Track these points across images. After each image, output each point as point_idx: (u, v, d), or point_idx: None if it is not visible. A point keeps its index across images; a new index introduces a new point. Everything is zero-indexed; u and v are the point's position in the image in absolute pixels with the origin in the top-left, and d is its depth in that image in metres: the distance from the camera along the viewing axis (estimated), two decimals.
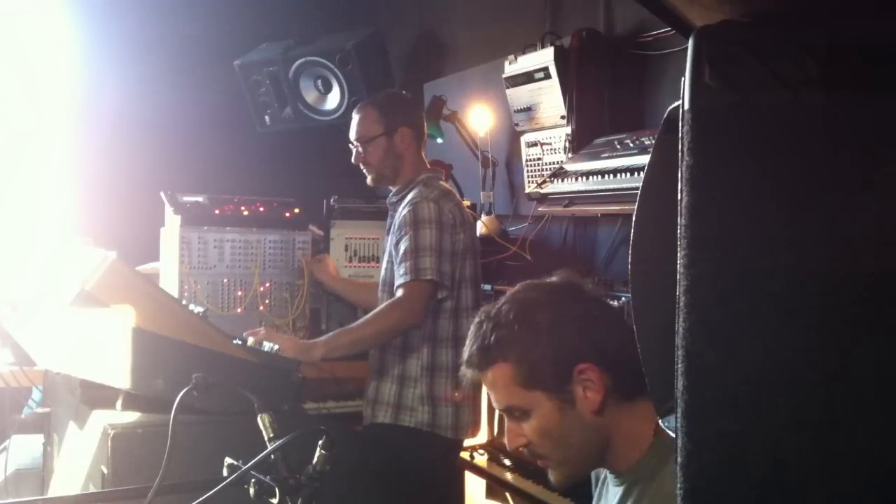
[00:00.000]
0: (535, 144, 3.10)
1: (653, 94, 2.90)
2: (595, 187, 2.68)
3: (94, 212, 3.98)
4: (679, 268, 0.68)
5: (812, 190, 0.66)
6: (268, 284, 3.13)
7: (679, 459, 0.69)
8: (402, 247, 2.61)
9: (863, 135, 0.65)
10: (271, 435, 1.47)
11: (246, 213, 3.15)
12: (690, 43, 0.69)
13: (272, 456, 1.39)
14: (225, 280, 3.07)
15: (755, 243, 0.67)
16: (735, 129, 0.67)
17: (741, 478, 0.67)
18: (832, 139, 0.66)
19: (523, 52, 3.07)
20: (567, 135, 2.94)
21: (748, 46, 0.67)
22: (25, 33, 4.19)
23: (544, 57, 2.95)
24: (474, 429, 2.79)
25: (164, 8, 4.19)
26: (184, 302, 2.67)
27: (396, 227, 2.70)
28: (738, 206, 0.67)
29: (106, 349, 2.04)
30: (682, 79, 0.69)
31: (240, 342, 2.37)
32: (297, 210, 3.23)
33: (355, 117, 2.85)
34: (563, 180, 2.86)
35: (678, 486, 0.69)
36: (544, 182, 2.94)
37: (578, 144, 2.90)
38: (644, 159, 2.50)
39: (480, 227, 3.27)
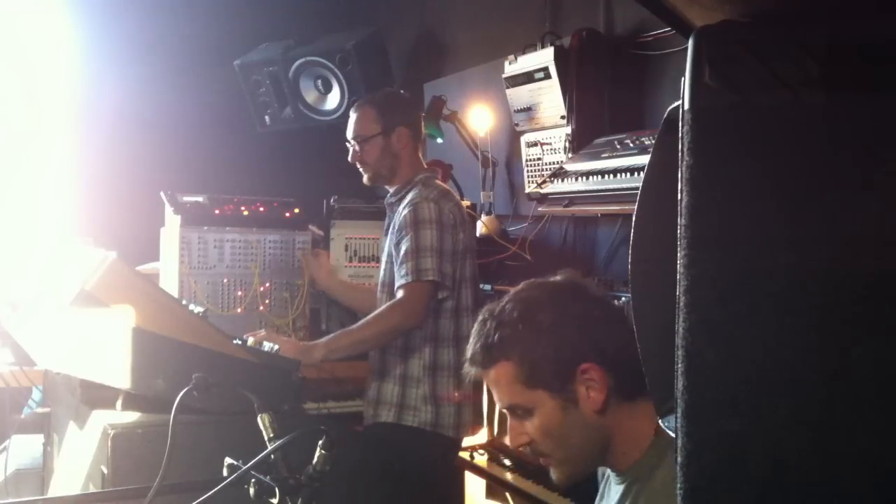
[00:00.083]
0: (535, 144, 3.10)
1: (653, 94, 2.89)
2: (595, 187, 2.68)
3: (94, 212, 3.98)
4: (679, 268, 0.68)
5: (812, 190, 0.66)
6: (268, 284, 3.13)
7: (679, 459, 0.69)
8: (403, 247, 2.61)
9: (863, 135, 0.65)
10: (271, 435, 1.46)
11: (246, 213, 3.14)
12: (690, 43, 0.69)
13: (272, 456, 1.39)
14: (225, 280, 3.07)
15: (755, 243, 0.67)
16: (735, 129, 0.67)
17: (741, 478, 0.67)
18: (832, 139, 0.66)
19: (523, 52, 3.07)
20: (567, 135, 2.93)
21: (748, 46, 0.67)
22: (25, 33, 4.19)
23: (544, 57, 2.94)
24: (475, 427, 2.80)
25: (164, 8, 4.19)
26: (184, 302, 2.66)
27: (396, 227, 2.69)
28: (738, 206, 0.67)
29: (106, 349, 2.04)
30: (682, 79, 0.69)
31: (240, 342, 2.37)
32: (297, 210, 3.22)
33: (353, 115, 2.84)
34: (563, 180, 2.86)
35: (678, 486, 0.69)
36: (544, 182, 2.94)
37: (578, 144, 2.90)
38: (644, 159, 2.50)
39: (480, 227, 3.27)
